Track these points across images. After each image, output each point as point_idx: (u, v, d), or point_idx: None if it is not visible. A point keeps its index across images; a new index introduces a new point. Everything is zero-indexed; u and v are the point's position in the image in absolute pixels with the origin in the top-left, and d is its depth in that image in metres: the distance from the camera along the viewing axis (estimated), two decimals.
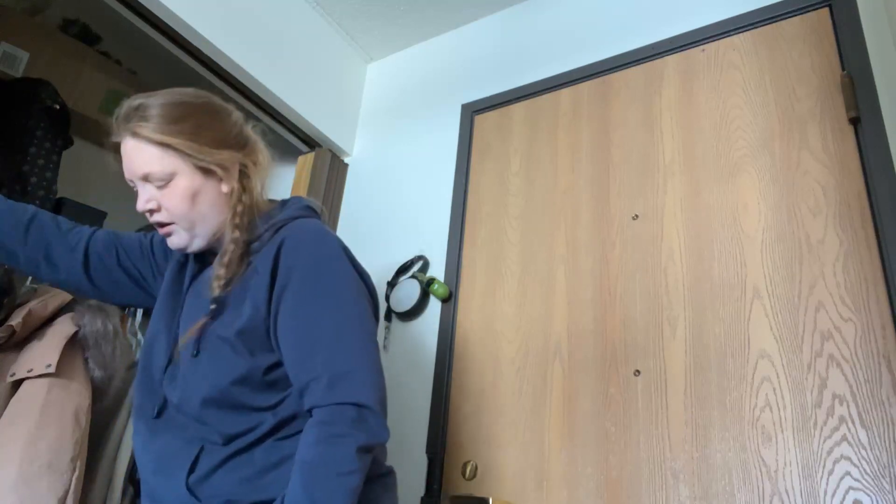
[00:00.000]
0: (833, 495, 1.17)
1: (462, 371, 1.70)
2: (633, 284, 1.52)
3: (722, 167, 1.51)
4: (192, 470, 0.95)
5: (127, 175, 1.06)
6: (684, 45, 1.68)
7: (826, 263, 1.32)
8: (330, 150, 2.22)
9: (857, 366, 1.23)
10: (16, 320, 1.33)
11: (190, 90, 1.10)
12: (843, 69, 1.43)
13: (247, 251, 1.06)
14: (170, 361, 1.04)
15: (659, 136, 1.63)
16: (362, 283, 1.07)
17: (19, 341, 1.35)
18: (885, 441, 1.16)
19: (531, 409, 1.54)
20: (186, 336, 1.02)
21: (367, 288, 1.09)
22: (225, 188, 1.07)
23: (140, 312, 1.64)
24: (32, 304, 1.38)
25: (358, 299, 1.04)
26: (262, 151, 1.14)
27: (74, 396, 1.30)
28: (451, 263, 1.84)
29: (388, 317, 1.89)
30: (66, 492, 1.20)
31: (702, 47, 1.66)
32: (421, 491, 1.61)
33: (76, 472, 1.23)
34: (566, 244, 1.66)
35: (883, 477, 1.14)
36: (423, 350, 1.79)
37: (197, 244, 1.08)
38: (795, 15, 1.55)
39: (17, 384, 1.29)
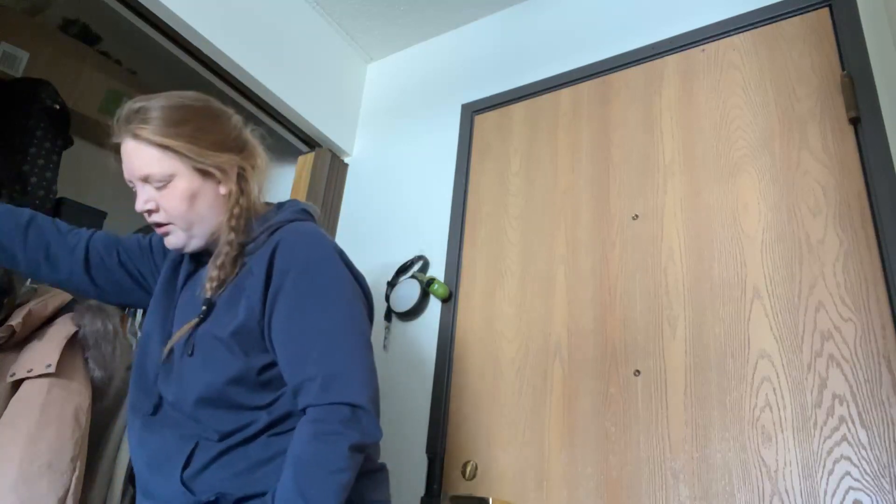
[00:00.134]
0: (833, 495, 1.17)
1: (462, 371, 1.70)
2: (633, 284, 1.52)
3: (722, 167, 1.51)
4: (186, 465, 0.97)
5: (126, 176, 1.08)
6: (684, 45, 1.68)
7: (826, 263, 1.32)
8: (330, 150, 2.22)
9: (857, 366, 1.23)
10: (16, 320, 1.33)
11: (190, 93, 1.11)
12: (843, 69, 1.43)
13: (241, 253, 1.07)
14: (164, 359, 1.05)
15: (659, 136, 1.63)
16: (357, 284, 1.09)
17: (19, 341, 1.35)
18: (885, 441, 1.16)
19: (531, 409, 1.54)
20: (177, 335, 1.04)
21: (361, 290, 1.10)
22: (223, 190, 1.08)
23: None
24: (32, 304, 1.38)
25: (352, 301, 1.05)
26: (261, 155, 1.16)
27: (74, 396, 1.30)
28: (451, 263, 1.84)
29: (387, 317, 1.89)
30: (66, 492, 1.20)
31: (702, 47, 1.66)
32: (421, 491, 1.61)
33: (76, 472, 1.23)
34: (566, 244, 1.66)
35: (883, 477, 1.14)
36: (423, 350, 1.79)
37: (194, 244, 1.09)
38: (795, 15, 1.55)
39: (17, 384, 1.29)
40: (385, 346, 1.86)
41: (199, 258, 1.16)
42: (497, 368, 1.64)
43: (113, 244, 1.22)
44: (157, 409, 1.03)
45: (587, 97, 1.80)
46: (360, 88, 2.40)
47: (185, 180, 1.05)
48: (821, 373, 1.25)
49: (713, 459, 1.29)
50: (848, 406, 1.21)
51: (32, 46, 2.08)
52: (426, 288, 1.81)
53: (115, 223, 2.12)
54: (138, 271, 1.22)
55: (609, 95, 1.76)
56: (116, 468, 1.39)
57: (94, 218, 2.07)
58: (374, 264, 1.99)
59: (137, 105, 1.05)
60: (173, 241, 1.08)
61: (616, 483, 1.37)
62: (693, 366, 1.38)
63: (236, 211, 1.08)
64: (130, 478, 1.39)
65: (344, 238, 2.14)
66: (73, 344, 1.37)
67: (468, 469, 1.56)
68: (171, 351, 1.04)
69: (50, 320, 1.41)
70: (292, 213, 1.13)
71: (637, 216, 1.58)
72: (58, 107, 2.00)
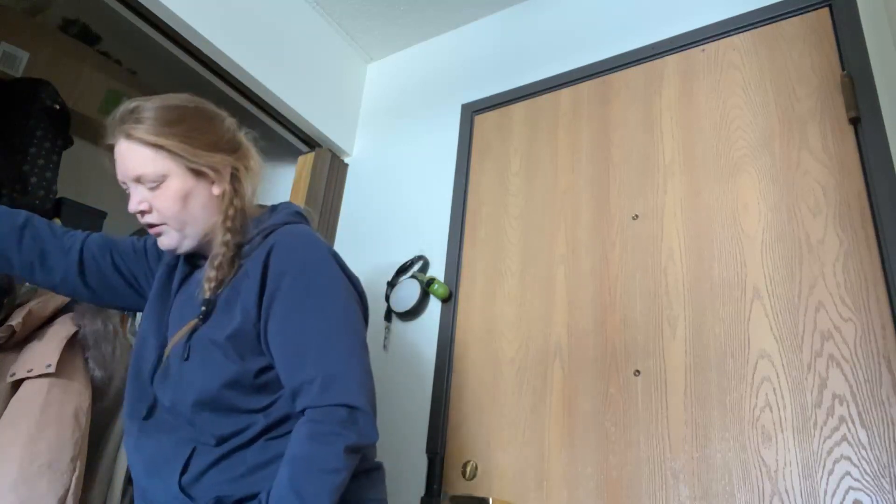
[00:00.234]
0: (833, 495, 1.17)
1: (462, 371, 1.70)
2: (633, 284, 1.52)
3: (722, 167, 1.51)
4: (184, 470, 0.96)
5: (119, 177, 1.08)
6: (684, 45, 1.68)
7: (826, 263, 1.32)
8: (330, 150, 2.22)
9: (857, 366, 1.23)
10: (16, 320, 1.33)
11: (184, 95, 1.12)
12: (843, 69, 1.43)
13: (237, 254, 1.07)
14: (159, 363, 1.05)
15: (659, 136, 1.63)
16: (352, 286, 1.09)
17: (19, 341, 1.35)
18: (885, 441, 1.16)
19: (531, 409, 1.54)
20: (176, 338, 1.04)
21: (356, 291, 1.10)
22: (216, 190, 1.08)
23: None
24: (32, 304, 1.38)
25: (348, 303, 1.05)
26: (254, 157, 1.16)
27: (74, 396, 1.30)
28: (451, 263, 1.84)
29: (388, 317, 1.89)
30: (66, 492, 1.20)
31: (702, 47, 1.66)
32: (421, 491, 1.61)
33: (76, 472, 1.24)
34: (566, 244, 1.66)
35: (883, 477, 1.14)
36: (423, 350, 1.79)
37: (187, 245, 1.09)
38: (795, 15, 1.55)
39: (17, 384, 1.29)
40: (385, 347, 1.86)
41: (194, 261, 1.15)
42: (497, 368, 1.64)
43: (107, 246, 1.21)
44: (150, 412, 1.03)
45: (587, 97, 1.80)
46: (360, 88, 2.40)
47: (179, 180, 1.05)
48: (821, 373, 1.25)
49: (713, 459, 1.29)
50: (848, 406, 1.21)
51: (32, 46, 2.08)
52: (426, 288, 1.81)
53: (115, 223, 2.12)
54: (132, 274, 1.22)
55: (609, 95, 1.76)
56: (116, 468, 1.39)
57: (93, 218, 2.07)
58: (374, 264, 1.99)
59: (131, 106, 1.06)
60: (166, 241, 1.08)
61: (616, 483, 1.37)
62: (693, 366, 1.38)
63: (231, 212, 1.08)
64: (130, 478, 1.40)
65: (344, 238, 2.14)
66: (73, 344, 1.37)
67: (468, 469, 1.56)
68: (168, 355, 1.04)
69: (50, 320, 1.41)
70: (286, 215, 1.13)
71: (637, 216, 1.58)
72: (58, 107, 2.00)
